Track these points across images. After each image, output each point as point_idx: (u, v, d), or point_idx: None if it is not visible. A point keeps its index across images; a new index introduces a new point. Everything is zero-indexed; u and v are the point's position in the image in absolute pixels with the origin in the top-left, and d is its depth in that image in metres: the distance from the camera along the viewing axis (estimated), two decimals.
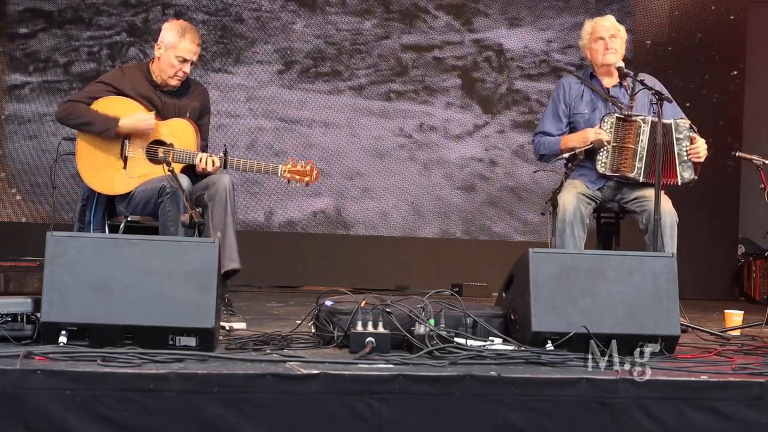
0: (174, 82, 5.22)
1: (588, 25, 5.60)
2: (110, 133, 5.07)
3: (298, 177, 5.22)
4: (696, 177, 5.43)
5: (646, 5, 9.10)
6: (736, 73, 9.18)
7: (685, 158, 5.38)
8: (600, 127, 5.37)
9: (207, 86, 5.80)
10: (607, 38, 5.50)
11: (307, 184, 5.27)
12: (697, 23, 9.14)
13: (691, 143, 5.39)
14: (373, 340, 3.89)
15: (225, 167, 5.13)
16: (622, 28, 5.59)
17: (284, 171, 5.21)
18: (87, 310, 3.78)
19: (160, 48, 5.20)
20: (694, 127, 5.45)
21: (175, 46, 5.16)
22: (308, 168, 5.24)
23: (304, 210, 8.62)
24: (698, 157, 5.39)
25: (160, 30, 5.32)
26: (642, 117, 5.34)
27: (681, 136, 5.38)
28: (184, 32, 5.18)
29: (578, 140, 5.42)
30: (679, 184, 5.40)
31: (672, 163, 5.36)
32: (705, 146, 5.42)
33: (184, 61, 5.18)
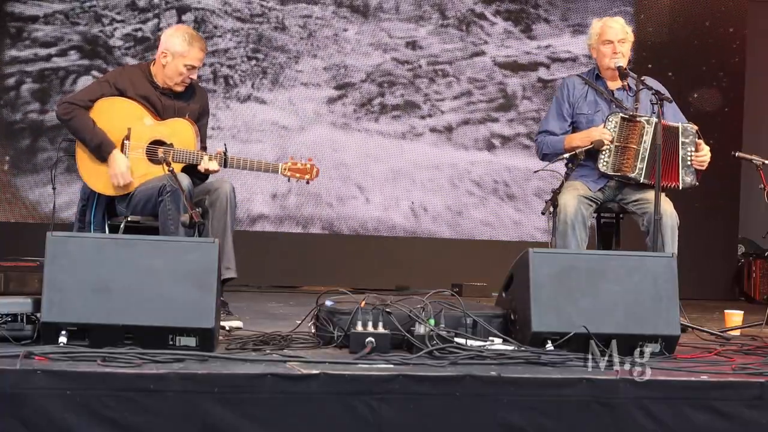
0: (179, 88, 5.24)
1: (596, 26, 5.57)
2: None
3: (298, 175, 5.23)
4: (697, 183, 5.44)
5: (647, 5, 9.10)
6: (735, 72, 9.18)
7: (689, 163, 5.38)
8: (604, 126, 5.37)
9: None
10: (616, 42, 5.48)
11: (308, 182, 5.29)
12: (697, 23, 9.14)
13: (696, 149, 5.39)
14: (373, 340, 3.89)
15: (225, 165, 5.14)
16: (629, 31, 5.56)
17: (285, 169, 5.22)
18: (87, 310, 3.79)
19: (166, 56, 5.18)
20: (699, 133, 5.44)
21: (183, 55, 5.16)
22: (308, 166, 5.25)
23: (305, 210, 8.58)
24: (701, 165, 5.40)
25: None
26: (646, 118, 5.35)
27: (687, 140, 5.38)
28: (192, 40, 5.18)
29: (582, 139, 5.41)
30: (680, 188, 5.39)
31: (675, 166, 5.36)
32: (709, 155, 5.42)
33: (192, 68, 5.20)
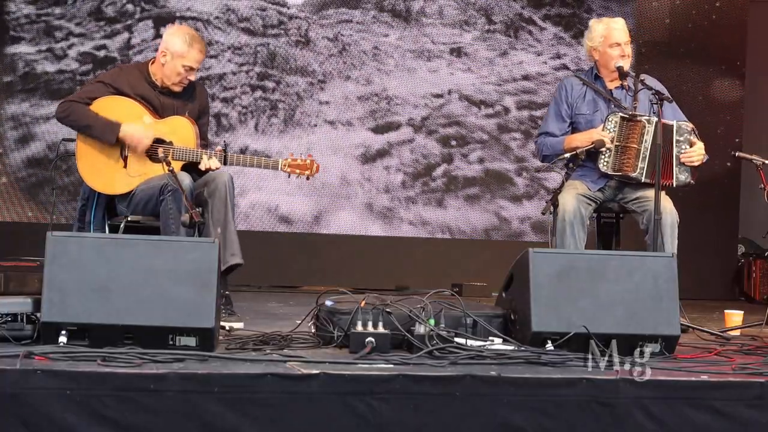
0: (177, 89, 5.24)
1: (599, 28, 5.55)
2: (110, 139, 5.06)
3: (298, 171, 5.23)
4: (692, 181, 5.44)
5: (646, 5, 9.09)
6: (735, 72, 9.18)
7: (681, 160, 5.39)
8: (604, 126, 5.38)
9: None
10: (623, 44, 5.50)
11: (308, 178, 5.28)
12: (697, 23, 9.13)
13: (690, 147, 5.40)
14: (373, 340, 3.89)
15: (225, 163, 5.14)
16: (627, 31, 5.59)
17: (284, 165, 5.22)
18: (87, 310, 3.79)
19: (165, 55, 5.18)
20: (695, 130, 5.45)
21: (183, 55, 5.16)
22: (308, 161, 5.24)
23: (305, 210, 8.55)
24: (691, 162, 5.39)
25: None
26: (647, 117, 5.35)
27: (681, 138, 5.39)
28: (192, 41, 5.18)
29: (582, 140, 5.42)
30: (674, 185, 5.40)
31: (669, 164, 5.37)
32: (701, 152, 5.41)
33: (191, 69, 5.20)
